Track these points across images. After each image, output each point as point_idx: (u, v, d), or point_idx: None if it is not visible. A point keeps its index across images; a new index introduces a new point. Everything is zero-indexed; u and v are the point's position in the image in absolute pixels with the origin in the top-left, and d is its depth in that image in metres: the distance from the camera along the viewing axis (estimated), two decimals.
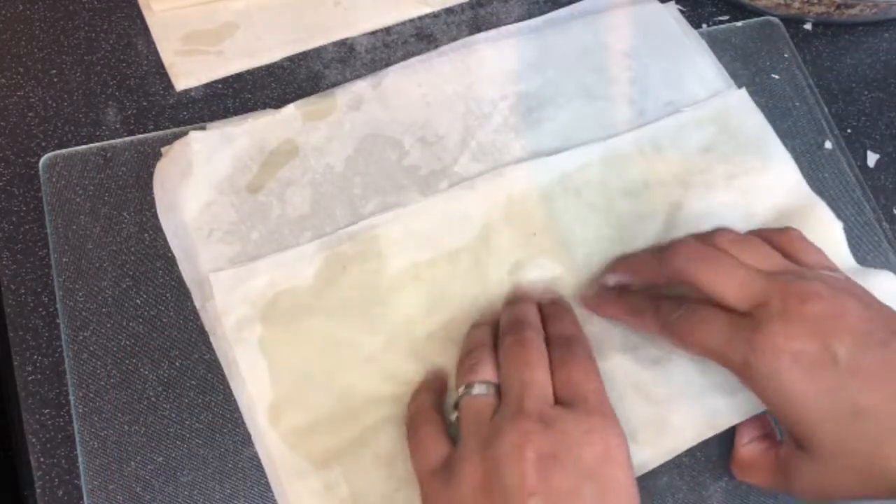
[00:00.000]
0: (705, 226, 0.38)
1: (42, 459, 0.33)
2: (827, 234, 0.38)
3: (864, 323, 0.29)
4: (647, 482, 0.34)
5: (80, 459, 0.33)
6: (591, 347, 0.33)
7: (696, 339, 0.31)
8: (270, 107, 0.41)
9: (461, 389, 0.32)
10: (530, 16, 0.45)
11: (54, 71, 0.41)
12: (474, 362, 0.32)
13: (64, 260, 0.36)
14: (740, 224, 0.38)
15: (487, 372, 0.32)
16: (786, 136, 0.42)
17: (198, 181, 0.38)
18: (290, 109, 0.40)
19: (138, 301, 0.36)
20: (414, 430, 0.32)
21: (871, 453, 0.28)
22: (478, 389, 0.31)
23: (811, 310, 0.29)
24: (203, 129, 0.39)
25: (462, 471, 0.29)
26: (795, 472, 0.30)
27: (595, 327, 0.36)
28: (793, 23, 0.46)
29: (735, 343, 0.30)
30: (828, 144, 0.42)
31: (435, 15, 0.44)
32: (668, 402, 0.35)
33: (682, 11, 0.45)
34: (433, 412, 0.33)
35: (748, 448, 0.34)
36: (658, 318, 0.33)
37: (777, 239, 0.33)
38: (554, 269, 0.37)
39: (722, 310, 0.31)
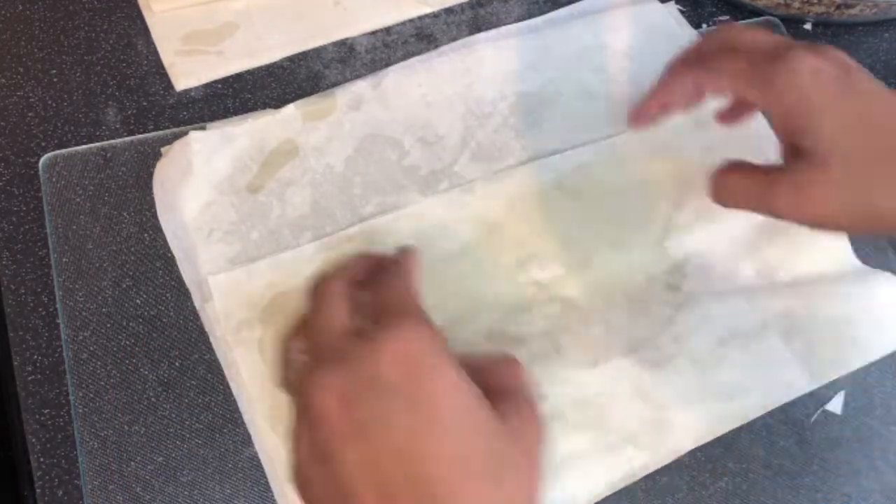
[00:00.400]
0: (705, 225, 0.38)
1: (42, 459, 0.33)
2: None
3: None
4: (648, 482, 0.34)
5: (80, 459, 0.33)
6: (413, 278, 0.31)
7: (722, 67, 0.32)
8: (270, 107, 0.41)
9: None
10: (530, 16, 0.45)
11: (54, 71, 0.41)
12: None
13: (64, 260, 0.36)
14: (742, 222, 0.38)
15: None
16: None
17: (198, 181, 0.38)
18: (290, 109, 0.40)
19: (138, 301, 0.36)
20: None
21: (873, 169, 0.29)
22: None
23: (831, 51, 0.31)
24: (203, 129, 0.39)
25: (296, 444, 0.28)
26: (786, 188, 0.31)
27: (597, 329, 0.36)
28: (793, 23, 0.46)
29: (761, 66, 0.31)
30: None
31: (435, 15, 0.44)
32: (669, 406, 0.35)
33: (682, 11, 0.45)
34: None
35: (730, 167, 0.34)
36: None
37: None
38: (554, 269, 0.37)
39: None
